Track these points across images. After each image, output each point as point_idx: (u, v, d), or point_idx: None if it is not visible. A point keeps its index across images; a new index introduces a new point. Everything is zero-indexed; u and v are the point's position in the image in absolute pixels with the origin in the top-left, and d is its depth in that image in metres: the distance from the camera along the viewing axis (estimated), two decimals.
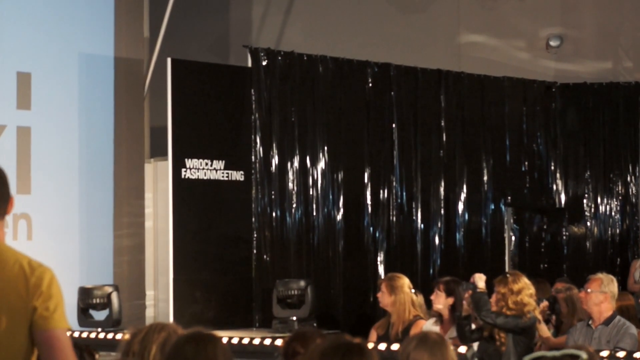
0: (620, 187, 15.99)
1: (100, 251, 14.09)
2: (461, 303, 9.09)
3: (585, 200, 15.97)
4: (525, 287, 8.89)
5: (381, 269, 13.98)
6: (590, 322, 9.17)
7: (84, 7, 14.30)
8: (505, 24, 17.03)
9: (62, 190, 13.88)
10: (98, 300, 11.65)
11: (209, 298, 13.07)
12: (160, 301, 14.14)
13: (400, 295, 9.59)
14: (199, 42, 17.40)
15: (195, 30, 17.72)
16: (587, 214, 15.95)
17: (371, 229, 14.27)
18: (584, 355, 4.00)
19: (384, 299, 9.65)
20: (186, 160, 13.15)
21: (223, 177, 13.39)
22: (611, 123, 16.13)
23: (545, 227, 15.37)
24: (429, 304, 9.80)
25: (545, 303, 9.95)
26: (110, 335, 10.39)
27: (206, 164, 13.27)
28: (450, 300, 9.38)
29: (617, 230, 15.70)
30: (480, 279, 8.74)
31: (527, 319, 8.68)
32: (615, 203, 15.98)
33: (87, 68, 14.29)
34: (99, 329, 10.91)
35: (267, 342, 8.77)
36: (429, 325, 9.46)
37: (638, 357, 8.08)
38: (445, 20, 17.10)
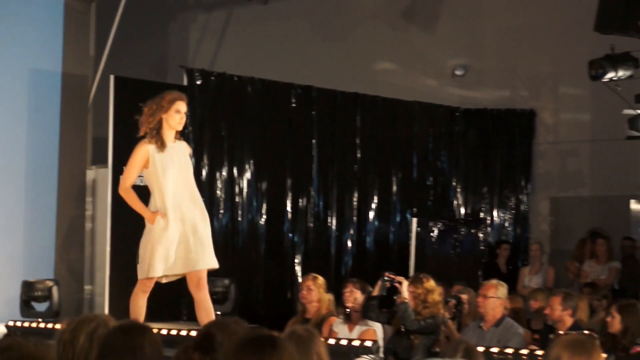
0: (513, 202, 16.20)
1: (43, 248, 14.08)
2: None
3: (482, 213, 16.16)
4: (435, 288, 9.10)
5: (298, 270, 14.03)
6: (481, 324, 9.29)
7: (35, 27, 14.29)
8: (416, 54, 17.17)
9: (9, 193, 13.85)
10: (40, 293, 11.62)
11: None
12: (97, 295, 14.09)
13: (322, 294, 9.69)
14: (140, 61, 17.40)
15: (137, 50, 17.72)
16: (484, 224, 16.07)
17: (290, 233, 14.32)
18: None
19: (311, 296, 9.69)
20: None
21: None
22: (507, 145, 16.32)
23: (445, 235, 15.55)
24: (338, 302, 9.89)
25: (453, 301, 10.08)
26: (50, 325, 10.38)
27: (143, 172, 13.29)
28: (362, 297, 9.46)
29: (510, 241, 15.86)
30: (405, 290, 8.86)
31: (439, 319, 8.84)
32: (509, 216, 16.20)
33: (36, 82, 14.31)
34: (40, 320, 10.87)
35: (193, 333, 8.80)
36: (339, 322, 9.52)
37: (524, 353, 8.21)
38: (362, 48, 17.24)
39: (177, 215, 7.78)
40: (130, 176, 8.04)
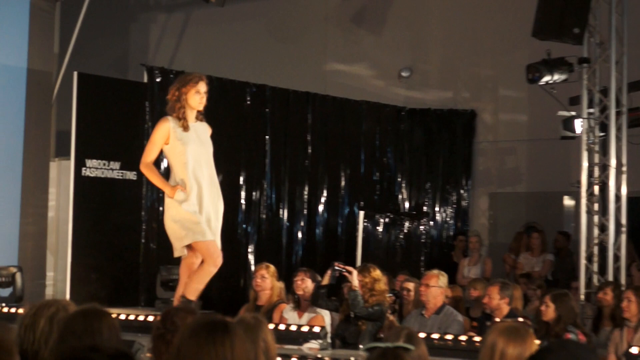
0: (454, 197, 16.27)
1: (7, 236, 14.00)
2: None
3: (425, 207, 16.17)
4: (381, 277, 9.08)
5: (251, 259, 14.02)
6: (423, 312, 9.33)
7: (1, 25, 14.17)
8: (364, 56, 17.20)
9: None
10: (3, 279, 11.60)
11: (102, 280, 12.97)
12: (58, 281, 14.01)
13: (274, 282, 9.66)
14: (102, 59, 17.33)
15: (100, 48, 17.64)
16: (427, 218, 16.13)
17: (244, 224, 14.29)
18: (412, 347, 4.15)
19: (264, 284, 9.63)
20: (86, 160, 13.01)
21: (118, 176, 13.29)
22: (449, 143, 16.36)
23: (390, 228, 15.58)
24: (288, 289, 9.91)
25: (392, 297, 10.09)
26: (13, 310, 10.33)
27: (104, 164, 13.16)
28: (312, 285, 9.49)
29: (451, 233, 15.96)
30: (354, 279, 8.89)
31: (385, 307, 8.86)
32: (450, 210, 16.26)
33: (2, 78, 14.14)
34: (3, 304, 10.79)
35: (150, 318, 8.81)
36: (289, 309, 9.51)
37: (463, 339, 8.26)
38: (314, 50, 17.27)
39: (196, 190, 7.75)
40: (151, 152, 7.91)
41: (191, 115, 7.86)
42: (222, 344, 3.60)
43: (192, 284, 8.02)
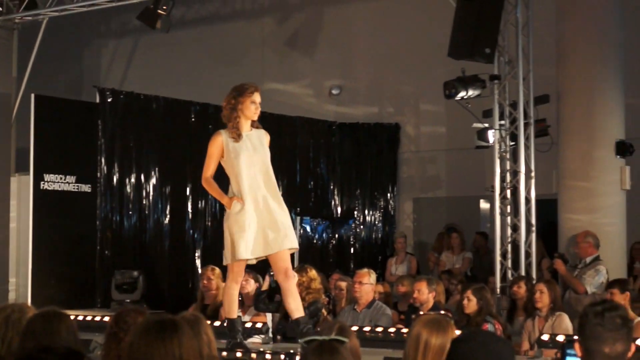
0: (382, 203, 16.22)
1: None
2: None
3: (355, 212, 16.13)
4: (317, 276, 9.10)
5: (198, 263, 13.90)
6: (355, 307, 9.31)
7: None
8: (298, 76, 17.15)
9: None
10: None
11: (60, 284, 12.79)
12: (20, 287, 13.77)
13: (219, 283, 9.51)
14: (58, 81, 17.17)
15: (55, 72, 17.45)
16: (357, 222, 16.16)
17: (191, 231, 14.20)
18: (345, 339, 4.07)
19: (210, 285, 9.57)
20: (44, 175, 12.88)
21: (74, 189, 13.17)
22: (376, 154, 16.31)
23: (324, 231, 15.57)
24: None
25: (326, 299, 10.04)
26: None
27: (60, 178, 13.03)
28: (256, 286, 9.43)
29: (379, 235, 15.91)
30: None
31: (320, 304, 8.74)
32: (378, 215, 16.20)
33: None
34: None
35: (106, 318, 8.74)
36: None
37: (392, 331, 8.27)
38: (252, 71, 17.11)
39: (252, 199, 7.18)
40: (209, 168, 7.39)
41: (246, 124, 7.35)
42: (171, 341, 3.58)
43: (225, 306, 7.64)
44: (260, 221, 7.19)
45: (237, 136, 7.29)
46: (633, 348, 4.00)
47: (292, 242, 7.32)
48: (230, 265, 7.31)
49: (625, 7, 11.72)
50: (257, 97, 7.37)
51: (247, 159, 7.26)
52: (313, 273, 9.11)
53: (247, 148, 7.30)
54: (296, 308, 7.40)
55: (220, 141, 7.31)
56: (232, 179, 7.31)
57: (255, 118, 7.40)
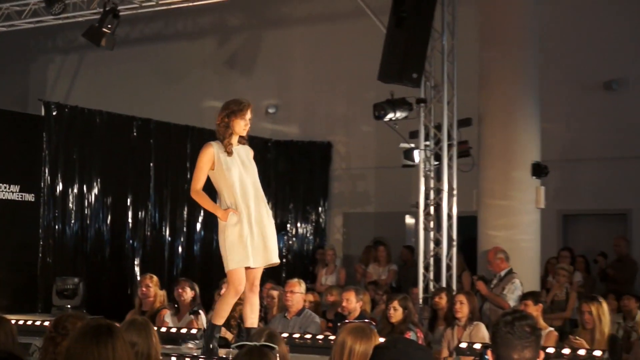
0: (313, 217, 16.34)
1: None
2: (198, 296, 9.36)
3: (288, 225, 16.19)
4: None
5: (137, 271, 13.76)
6: (286, 314, 9.25)
7: None
8: (236, 95, 16.97)
9: None
10: None
11: (2, 290, 12.59)
12: None
13: (157, 290, 9.44)
14: (4, 95, 16.95)
15: (2, 85, 17.27)
16: (290, 234, 16.20)
17: (131, 240, 14.10)
18: (275, 346, 4.12)
19: (148, 292, 9.40)
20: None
21: (18, 198, 12.99)
22: (309, 170, 16.44)
23: None
24: (169, 297, 9.80)
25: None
26: None
27: (5, 188, 12.83)
28: (192, 294, 9.42)
29: (311, 247, 16.00)
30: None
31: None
32: (310, 228, 16.32)
33: None
34: None
35: (46, 323, 8.61)
36: (169, 314, 9.39)
37: (320, 337, 8.26)
38: (193, 89, 17.19)
39: (246, 211, 6.88)
40: (199, 179, 6.96)
41: (235, 139, 7.04)
42: (105, 345, 3.57)
43: (216, 309, 7.30)
44: (255, 233, 6.95)
45: (230, 151, 7.01)
46: (542, 355, 4.05)
47: (276, 257, 7.09)
48: (231, 274, 6.97)
49: (542, 38, 11.88)
50: (248, 114, 7.10)
51: (238, 172, 7.00)
52: None
53: (237, 162, 7.03)
54: (253, 318, 7.25)
55: (212, 152, 6.95)
56: (224, 190, 6.99)
57: (244, 134, 7.11)
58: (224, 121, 7.00)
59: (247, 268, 6.97)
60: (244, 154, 7.14)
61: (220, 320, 7.24)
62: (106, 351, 3.57)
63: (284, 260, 15.59)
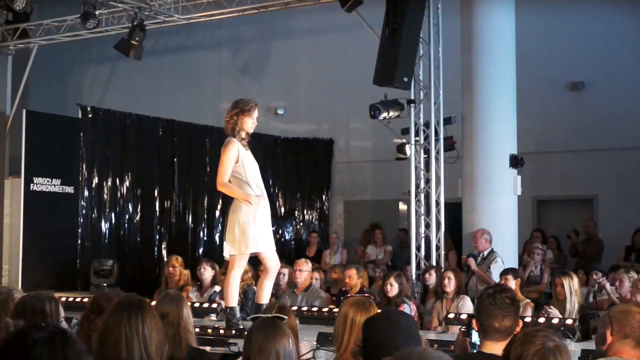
0: (318, 204, 16.26)
1: None
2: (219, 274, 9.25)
3: (296, 212, 16.14)
4: (248, 269, 8.81)
5: (164, 253, 13.82)
6: (295, 290, 9.33)
7: None
8: (250, 96, 17.10)
9: None
10: None
11: (47, 271, 12.73)
12: (12, 273, 13.64)
13: (182, 270, 9.52)
14: (45, 99, 16.95)
15: (44, 91, 17.28)
16: (297, 220, 16.15)
17: (158, 226, 14.14)
18: (285, 317, 4.21)
19: (174, 272, 9.48)
20: (34, 178, 12.80)
21: (59, 190, 13.10)
22: (314, 164, 16.35)
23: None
24: (193, 276, 9.83)
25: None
26: None
27: (48, 181, 12.95)
28: (212, 272, 9.44)
29: (317, 231, 15.78)
30: None
31: (252, 290, 8.63)
32: (315, 214, 16.25)
33: None
34: None
35: (85, 299, 8.67)
36: (193, 290, 9.45)
37: (325, 310, 8.23)
38: (211, 93, 17.12)
39: (263, 200, 6.78)
40: (225, 173, 6.70)
41: (245, 135, 6.87)
42: (136, 318, 3.54)
43: (230, 292, 7.09)
44: (267, 220, 6.81)
45: (244, 145, 6.81)
46: (520, 324, 4.11)
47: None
48: (238, 257, 6.80)
49: (517, 45, 11.84)
50: (255, 114, 6.92)
51: (254, 166, 6.86)
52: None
53: (252, 156, 6.88)
54: (267, 294, 7.17)
55: (237, 148, 6.74)
56: (242, 182, 6.76)
57: (251, 132, 6.92)
58: (233, 119, 6.82)
59: (263, 253, 6.86)
60: (250, 150, 6.98)
61: (234, 301, 7.13)
62: (136, 323, 3.53)
63: (293, 242, 15.62)
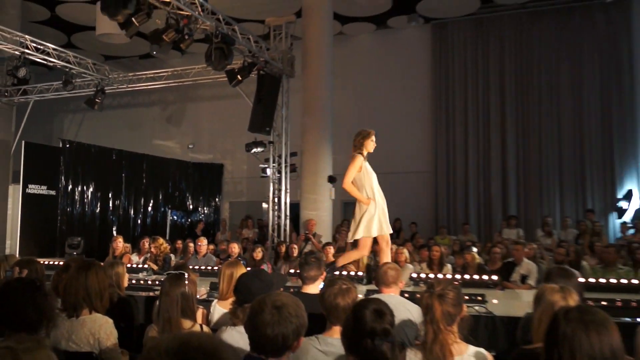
0: (213, 203, 15.52)
1: None
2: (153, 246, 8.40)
3: (199, 208, 15.37)
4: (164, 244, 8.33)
5: (115, 233, 12.77)
6: (197, 256, 8.60)
7: None
8: (173, 137, 16.63)
9: None
10: None
11: (37, 244, 12.13)
12: (12, 246, 12.98)
13: (124, 243, 8.76)
14: (37, 134, 16.33)
15: (37, 128, 16.63)
16: (200, 213, 15.35)
17: (111, 216, 13.47)
18: (186, 273, 3.62)
19: (119, 246, 8.66)
20: (29, 185, 12.45)
21: (45, 193, 12.54)
22: (210, 179, 15.60)
23: (181, 218, 14.87)
24: (134, 247, 9.33)
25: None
26: None
27: (38, 187, 12.56)
28: (148, 245, 8.59)
29: (212, 220, 15.21)
30: None
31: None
32: (211, 209, 15.51)
33: None
34: None
35: (61, 263, 7.96)
36: (135, 255, 8.69)
37: (216, 268, 7.18)
38: (148, 133, 16.63)
39: (376, 199, 5.88)
40: (350, 177, 5.86)
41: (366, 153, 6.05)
42: (85, 274, 3.40)
43: (342, 258, 6.20)
44: (379, 213, 5.99)
45: (366, 159, 6.05)
46: (324, 274, 4.09)
47: (390, 229, 6.09)
48: (364, 240, 5.94)
49: (333, 99, 11.38)
50: (374, 138, 6.05)
51: (372, 175, 6.05)
52: (165, 242, 8.57)
53: (370, 168, 6.09)
54: (341, 261, 6.24)
55: (361, 160, 5.94)
56: (366, 186, 5.93)
57: (372, 150, 6.02)
58: (360, 142, 6.00)
59: (378, 236, 6.02)
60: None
61: (340, 263, 6.29)
62: (91, 276, 3.38)
63: (198, 225, 14.91)
